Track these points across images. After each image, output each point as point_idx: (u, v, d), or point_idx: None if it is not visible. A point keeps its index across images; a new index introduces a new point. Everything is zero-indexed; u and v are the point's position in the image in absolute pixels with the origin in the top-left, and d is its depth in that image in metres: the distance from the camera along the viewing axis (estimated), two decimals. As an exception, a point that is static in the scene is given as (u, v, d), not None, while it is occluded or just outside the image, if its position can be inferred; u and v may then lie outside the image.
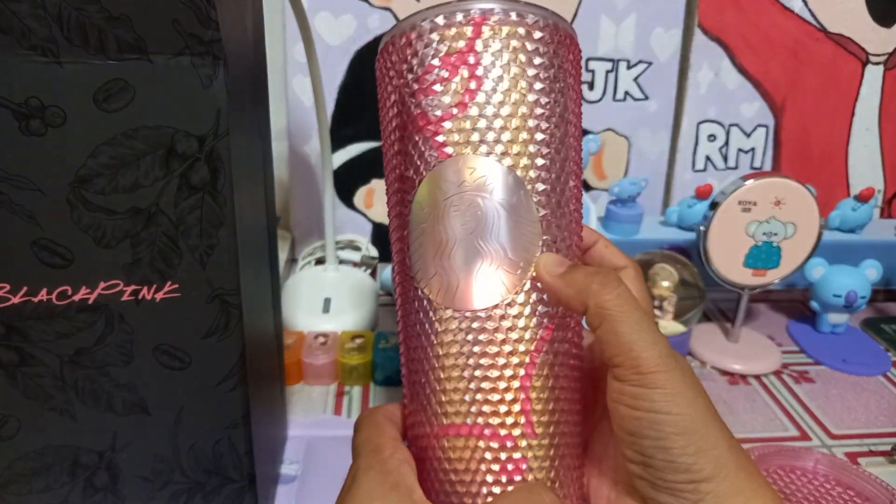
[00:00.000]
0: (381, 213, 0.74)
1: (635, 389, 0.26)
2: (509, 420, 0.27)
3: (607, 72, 0.71)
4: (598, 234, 0.33)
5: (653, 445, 0.26)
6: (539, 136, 0.27)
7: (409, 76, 0.28)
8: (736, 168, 0.76)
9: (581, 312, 0.28)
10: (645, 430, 0.26)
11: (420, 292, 0.28)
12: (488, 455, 0.27)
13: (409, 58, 0.28)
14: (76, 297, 0.30)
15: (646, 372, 0.26)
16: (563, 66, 0.29)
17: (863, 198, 0.64)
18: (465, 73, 0.27)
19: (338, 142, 0.70)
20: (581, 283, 0.27)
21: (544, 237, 0.28)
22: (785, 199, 0.54)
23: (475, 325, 0.27)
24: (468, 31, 0.27)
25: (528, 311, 0.28)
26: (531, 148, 0.27)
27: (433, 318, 0.28)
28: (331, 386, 0.54)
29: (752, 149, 0.76)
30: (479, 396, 0.27)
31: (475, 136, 0.27)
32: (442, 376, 0.28)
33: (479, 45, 0.27)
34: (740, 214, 0.54)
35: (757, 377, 0.58)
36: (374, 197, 0.73)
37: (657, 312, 0.58)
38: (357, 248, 0.72)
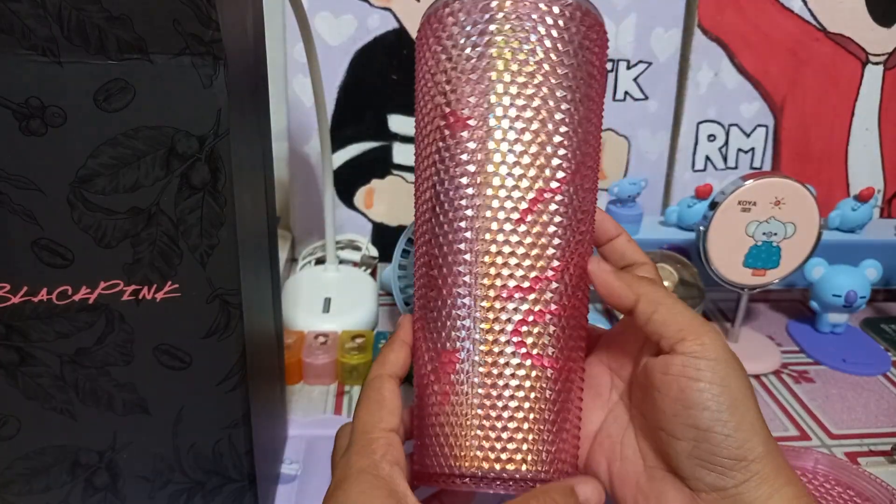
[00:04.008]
0: (380, 213, 0.73)
1: (699, 361, 0.28)
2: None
3: (607, 72, 0.71)
4: (621, 228, 0.35)
5: (711, 418, 0.27)
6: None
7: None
8: (736, 168, 0.76)
9: (629, 302, 0.30)
10: (707, 401, 0.27)
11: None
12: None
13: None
14: (76, 297, 0.30)
15: (709, 343, 0.28)
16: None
17: (863, 198, 0.64)
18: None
19: (338, 142, 0.70)
20: (630, 278, 0.31)
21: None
22: (785, 199, 0.54)
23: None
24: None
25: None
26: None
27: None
28: (331, 386, 0.54)
29: (752, 149, 0.76)
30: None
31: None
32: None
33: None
34: (740, 214, 0.54)
35: (757, 377, 0.58)
36: (374, 197, 0.73)
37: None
38: (357, 248, 0.72)
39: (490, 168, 0.29)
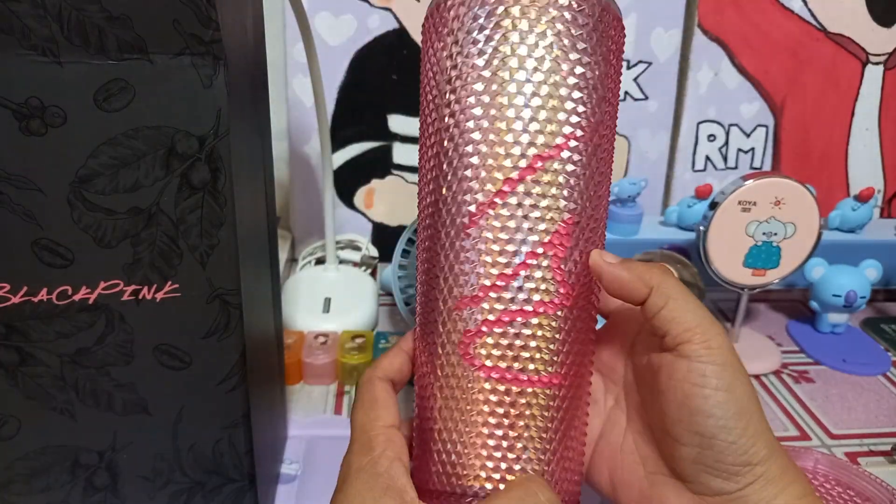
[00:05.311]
0: (380, 213, 0.73)
1: (705, 366, 0.27)
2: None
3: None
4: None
5: (716, 425, 0.27)
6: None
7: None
8: (736, 168, 0.76)
9: (641, 296, 0.29)
10: (712, 408, 0.27)
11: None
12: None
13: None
14: (76, 297, 0.30)
15: (716, 347, 0.27)
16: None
17: (863, 198, 0.64)
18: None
19: (338, 142, 0.70)
20: (641, 269, 0.29)
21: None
22: (785, 199, 0.54)
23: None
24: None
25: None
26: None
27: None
28: (331, 386, 0.54)
29: (752, 149, 0.76)
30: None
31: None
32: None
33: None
34: (740, 214, 0.54)
35: (757, 377, 0.58)
36: (374, 197, 0.73)
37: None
38: (357, 248, 0.72)
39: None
